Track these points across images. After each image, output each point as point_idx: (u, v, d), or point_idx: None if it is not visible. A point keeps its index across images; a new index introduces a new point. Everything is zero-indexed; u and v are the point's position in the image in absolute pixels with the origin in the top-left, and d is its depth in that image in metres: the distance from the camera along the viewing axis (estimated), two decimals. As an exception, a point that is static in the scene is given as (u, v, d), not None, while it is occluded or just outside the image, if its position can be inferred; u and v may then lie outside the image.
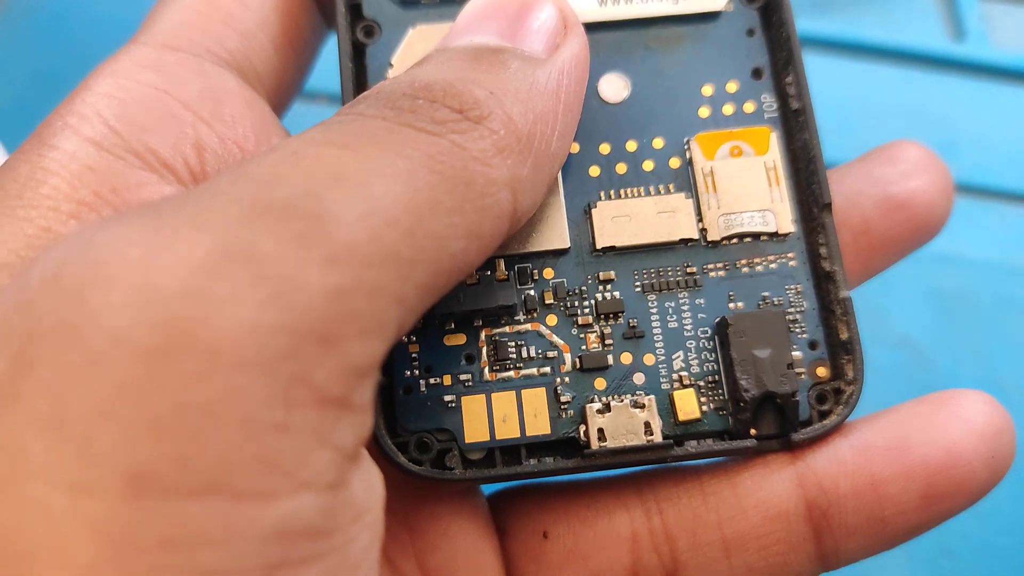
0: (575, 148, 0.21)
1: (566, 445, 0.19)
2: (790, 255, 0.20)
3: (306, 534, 0.13)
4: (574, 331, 0.20)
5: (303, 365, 0.12)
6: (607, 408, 0.19)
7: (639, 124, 0.21)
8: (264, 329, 0.12)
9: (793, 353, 0.19)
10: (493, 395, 0.19)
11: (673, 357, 0.20)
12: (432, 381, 0.19)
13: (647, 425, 0.19)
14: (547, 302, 0.20)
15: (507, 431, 0.19)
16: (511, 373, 0.19)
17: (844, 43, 0.41)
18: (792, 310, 0.20)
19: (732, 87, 0.21)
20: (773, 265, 0.20)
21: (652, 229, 0.20)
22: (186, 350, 0.12)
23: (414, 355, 0.19)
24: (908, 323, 0.36)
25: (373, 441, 0.18)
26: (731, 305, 0.20)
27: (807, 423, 0.19)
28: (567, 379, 0.19)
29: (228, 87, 0.19)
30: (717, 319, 0.20)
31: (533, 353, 0.19)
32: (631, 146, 0.21)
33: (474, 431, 0.19)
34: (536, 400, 0.19)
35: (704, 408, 0.19)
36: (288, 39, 0.21)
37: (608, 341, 0.20)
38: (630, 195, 0.20)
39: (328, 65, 0.21)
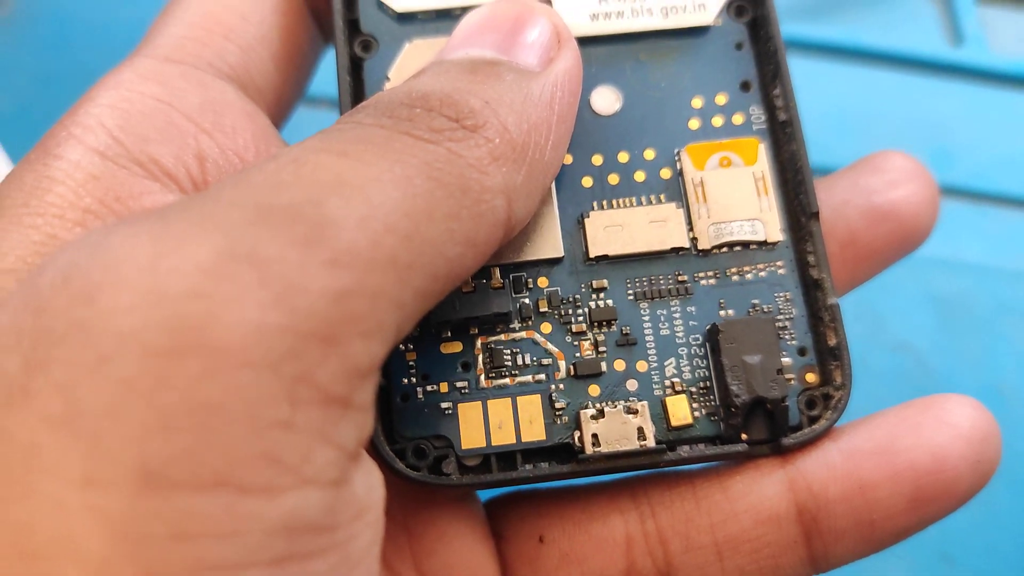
0: (568, 159, 0.21)
1: (561, 451, 0.19)
2: (779, 263, 0.21)
3: (310, 529, 0.13)
4: (568, 339, 0.20)
5: (307, 365, 0.13)
6: (601, 414, 0.19)
7: (631, 136, 0.21)
8: (269, 329, 0.13)
9: (783, 359, 0.20)
10: (489, 402, 0.19)
11: (665, 364, 0.20)
12: (429, 388, 0.20)
13: (640, 430, 0.19)
14: (542, 310, 0.20)
15: (503, 437, 0.19)
16: (507, 380, 0.20)
17: (843, 48, 0.42)
18: (781, 317, 0.20)
19: (721, 99, 0.22)
20: (762, 273, 0.21)
21: (644, 238, 0.20)
22: (194, 349, 0.12)
23: (411, 363, 0.20)
24: (907, 327, 0.36)
25: (372, 448, 0.19)
26: (721, 312, 0.20)
27: (797, 428, 0.20)
28: (562, 386, 0.20)
29: (228, 99, 0.19)
30: (708, 326, 0.20)
31: (528, 360, 0.20)
32: (623, 157, 0.21)
33: (470, 437, 0.19)
34: (531, 407, 0.20)
35: (696, 414, 0.20)
36: (287, 53, 0.21)
37: (602, 348, 0.20)
38: (622, 205, 0.21)
39: (330, 71, 0.22)
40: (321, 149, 0.15)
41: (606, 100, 0.22)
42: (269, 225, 0.13)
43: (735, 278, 0.20)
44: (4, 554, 0.12)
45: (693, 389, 0.20)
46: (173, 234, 0.13)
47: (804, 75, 0.41)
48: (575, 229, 0.21)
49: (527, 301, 0.20)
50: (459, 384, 0.20)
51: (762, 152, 0.21)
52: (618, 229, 0.21)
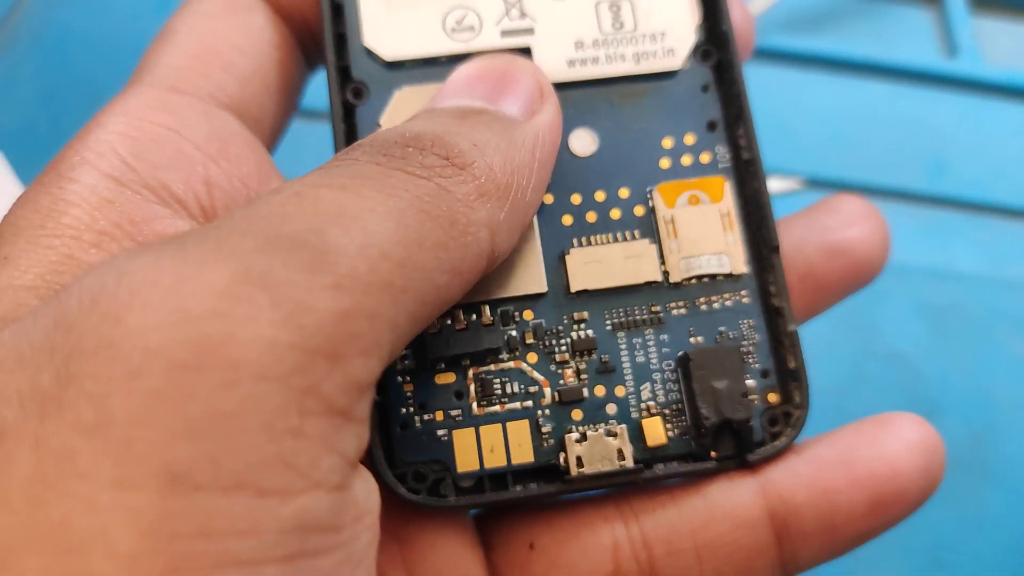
0: (549, 199, 0.22)
1: (548, 471, 0.21)
2: (743, 293, 0.22)
3: (319, 528, 0.14)
4: (552, 367, 0.22)
5: (313, 378, 0.14)
6: (584, 437, 0.21)
7: (606, 176, 0.23)
8: (280, 346, 0.14)
9: (747, 382, 0.21)
10: (481, 428, 0.21)
11: (641, 388, 0.22)
12: (426, 417, 0.21)
13: (620, 451, 0.21)
14: (528, 341, 0.22)
15: (494, 460, 0.21)
16: (497, 407, 0.21)
17: (838, 60, 0.42)
18: (746, 342, 0.22)
19: (690, 139, 0.23)
20: (728, 302, 0.22)
21: (620, 273, 0.22)
22: (213, 364, 0.13)
23: (409, 393, 0.21)
24: (900, 336, 0.37)
25: (376, 474, 0.20)
26: (692, 340, 0.22)
27: (761, 444, 0.21)
28: (547, 411, 0.21)
29: (232, 129, 0.21)
30: (680, 353, 0.22)
31: (516, 389, 0.21)
32: (600, 196, 0.23)
33: (465, 461, 0.21)
34: (520, 431, 0.21)
35: (670, 434, 0.21)
36: (280, 85, 0.23)
37: (583, 375, 0.21)
38: (600, 242, 0.22)
39: (312, 85, 0.23)
40: (321, 184, 0.16)
41: (583, 142, 0.23)
42: (278, 252, 0.14)
43: (704, 307, 0.22)
44: (44, 550, 0.13)
45: (667, 411, 0.21)
46: (192, 260, 0.14)
47: (801, 87, 0.42)
48: (557, 265, 0.22)
49: (514, 333, 0.22)
50: (453, 412, 0.21)
51: (727, 190, 0.23)
52: (597, 265, 0.22)
